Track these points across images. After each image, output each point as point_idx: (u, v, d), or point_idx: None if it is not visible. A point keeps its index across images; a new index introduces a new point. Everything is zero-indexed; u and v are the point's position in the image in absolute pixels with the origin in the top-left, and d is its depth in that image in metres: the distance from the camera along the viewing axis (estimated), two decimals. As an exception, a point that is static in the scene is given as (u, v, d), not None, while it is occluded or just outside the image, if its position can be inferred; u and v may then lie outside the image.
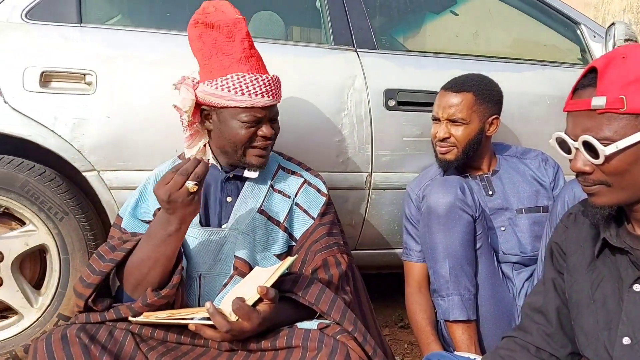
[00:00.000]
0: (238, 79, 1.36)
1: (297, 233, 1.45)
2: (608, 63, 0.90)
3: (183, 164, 1.18)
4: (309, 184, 1.50)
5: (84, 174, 1.66)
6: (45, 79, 1.62)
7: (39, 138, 1.60)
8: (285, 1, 2.20)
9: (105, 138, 1.65)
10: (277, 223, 1.44)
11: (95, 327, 1.20)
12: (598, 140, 0.88)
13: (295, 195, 1.47)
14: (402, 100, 1.85)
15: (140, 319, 1.15)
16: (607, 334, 0.97)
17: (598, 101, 0.88)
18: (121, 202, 1.67)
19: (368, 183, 1.84)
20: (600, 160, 0.89)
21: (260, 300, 1.13)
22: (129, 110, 1.67)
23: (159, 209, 1.35)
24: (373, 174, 1.84)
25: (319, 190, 1.49)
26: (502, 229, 1.67)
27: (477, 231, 1.56)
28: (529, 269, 1.64)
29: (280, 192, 1.47)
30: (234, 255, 1.39)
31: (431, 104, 1.82)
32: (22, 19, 1.66)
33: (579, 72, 1.87)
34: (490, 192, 1.70)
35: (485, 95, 1.66)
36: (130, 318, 1.19)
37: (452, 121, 1.64)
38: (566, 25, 2.19)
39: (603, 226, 1.00)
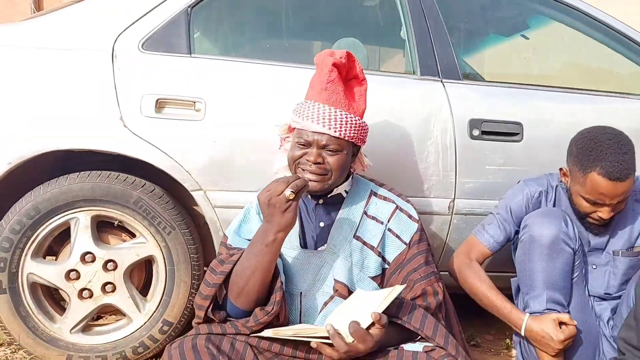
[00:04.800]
0: (303, 104, 1.51)
1: (390, 257, 1.54)
2: None
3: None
4: (401, 209, 1.59)
5: (192, 192, 1.80)
6: (160, 105, 1.78)
7: (154, 160, 1.76)
8: (369, 29, 2.31)
9: (212, 161, 1.80)
10: (372, 247, 1.54)
11: (218, 338, 1.35)
12: None
13: (388, 221, 1.57)
14: (486, 130, 1.93)
15: (268, 333, 1.28)
16: None
17: None
18: (223, 219, 1.82)
19: (451, 209, 1.93)
20: None
21: (372, 324, 1.25)
22: (233, 135, 1.81)
23: None
24: (456, 200, 1.93)
25: (410, 217, 1.59)
26: (594, 267, 1.72)
27: (575, 261, 1.61)
28: (609, 302, 1.70)
29: (373, 217, 1.57)
30: (334, 279, 1.51)
31: (513, 134, 1.91)
32: (139, 49, 1.83)
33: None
34: (596, 232, 1.71)
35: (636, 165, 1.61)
36: (260, 334, 1.32)
37: (620, 202, 1.62)
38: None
39: None
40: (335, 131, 1.45)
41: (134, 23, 1.84)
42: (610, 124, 1.70)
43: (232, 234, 1.54)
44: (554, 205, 1.76)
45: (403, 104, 1.92)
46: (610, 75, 2.46)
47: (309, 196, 1.57)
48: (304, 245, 1.56)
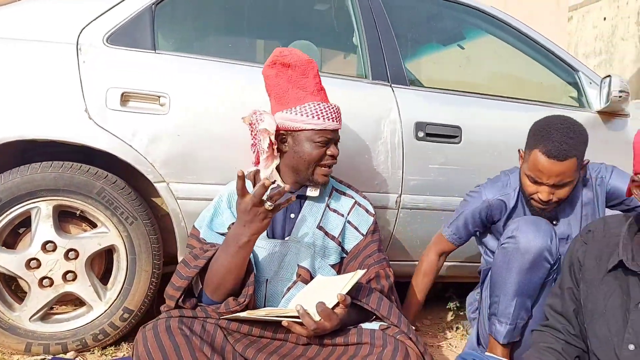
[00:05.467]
0: (314, 106, 1.62)
1: (348, 247, 1.70)
2: None
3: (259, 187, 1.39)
4: (359, 204, 1.75)
5: (155, 184, 1.86)
6: (125, 98, 1.83)
7: (118, 152, 1.81)
8: (322, 33, 2.44)
9: (175, 154, 1.87)
10: (333, 238, 1.69)
11: (190, 321, 1.43)
12: None
13: (348, 214, 1.72)
14: (430, 132, 2.12)
15: (244, 314, 1.39)
16: (616, 340, 1.26)
17: None
18: (186, 211, 1.89)
19: (398, 203, 2.11)
20: None
21: (337, 304, 1.39)
22: (197, 130, 1.89)
23: (232, 223, 1.60)
24: (402, 195, 2.11)
25: (367, 211, 1.75)
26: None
27: (550, 275, 1.69)
28: None
29: (335, 210, 1.72)
30: (298, 265, 1.63)
31: (453, 137, 2.11)
32: (103, 43, 1.86)
33: (576, 113, 2.19)
34: (555, 222, 1.81)
35: (583, 151, 1.68)
36: (233, 315, 1.42)
37: (558, 185, 1.67)
38: (566, 71, 2.50)
39: (622, 248, 1.27)
40: (340, 123, 1.68)
41: (99, 17, 1.87)
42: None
43: (204, 228, 1.63)
44: (514, 208, 1.85)
45: (357, 106, 2.07)
46: (536, 86, 2.72)
47: (285, 189, 1.68)
48: (272, 235, 1.67)
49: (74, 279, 1.84)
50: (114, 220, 1.85)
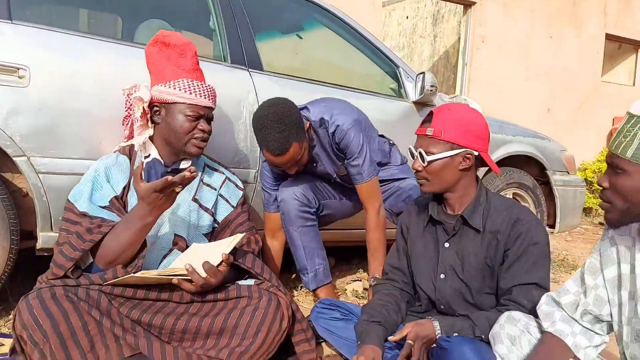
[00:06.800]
0: (188, 82, 1.76)
1: (220, 217, 1.89)
2: (439, 110, 1.60)
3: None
4: (229, 180, 1.95)
5: (14, 158, 1.81)
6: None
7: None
8: (180, 16, 2.52)
9: (36, 128, 1.83)
10: (206, 209, 1.86)
11: (74, 289, 1.50)
12: (426, 153, 1.56)
13: (220, 188, 1.90)
14: (283, 115, 2.37)
15: (137, 275, 1.49)
16: (432, 273, 1.68)
17: (430, 131, 1.56)
18: (47, 185, 1.88)
19: (255, 178, 2.33)
20: (424, 163, 1.57)
21: (220, 263, 1.58)
22: (60, 105, 1.87)
23: (115, 197, 1.68)
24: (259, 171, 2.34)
25: (237, 185, 1.95)
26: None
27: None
28: None
29: (208, 185, 1.89)
30: (174, 234, 1.77)
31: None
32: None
33: (397, 102, 2.66)
34: (315, 164, 2.21)
35: (298, 132, 1.97)
36: (121, 279, 1.51)
37: (294, 163, 2.00)
38: (389, 65, 2.94)
39: (430, 207, 1.69)
40: (214, 104, 1.80)
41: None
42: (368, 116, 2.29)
43: (86, 203, 1.66)
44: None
45: (218, 88, 2.20)
46: (365, 77, 3.13)
47: (162, 163, 1.78)
48: None
49: None
50: (-33, 195, 1.76)
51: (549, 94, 6.78)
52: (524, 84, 6.51)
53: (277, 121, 1.88)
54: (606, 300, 1.30)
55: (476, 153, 1.60)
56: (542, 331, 1.36)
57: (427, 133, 1.59)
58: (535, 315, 1.41)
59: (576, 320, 1.33)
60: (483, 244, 1.60)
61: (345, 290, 2.63)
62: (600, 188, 1.21)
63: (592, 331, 1.33)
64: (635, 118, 1.13)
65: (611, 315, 1.31)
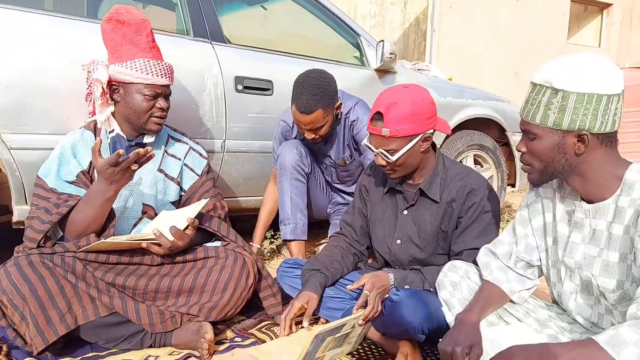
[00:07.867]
0: (144, 62, 1.82)
1: (186, 186, 1.99)
2: (387, 107, 1.61)
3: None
4: (193, 149, 2.04)
5: (-15, 136, 1.88)
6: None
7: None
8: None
9: (5, 105, 1.90)
10: (172, 179, 1.95)
11: (50, 256, 1.60)
12: (387, 151, 1.65)
13: (184, 158, 2.00)
14: (248, 85, 2.46)
15: (108, 240, 1.59)
16: (389, 238, 1.81)
17: (386, 132, 1.63)
18: (20, 160, 1.95)
19: (223, 148, 2.43)
20: (391, 160, 1.67)
21: (187, 227, 1.69)
22: (27, 82, 1.93)
23: (81, 171, 1.76)
24: (226, 140, 2.43)
25: (200, 154, 2.05)
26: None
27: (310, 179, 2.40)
28: None
29: (172, 155, 1.98)
30: (143, 203, 1.87)
31: (266, 89, 2.48)
32: None
33: (360, 70, 2.76)
34: (325, 142, 2.38)
35: (329, 101, 2.20)
36: (94, 245, 1.61)
37: (314, 129, 2.21)
38: (351, 35, 3.02)
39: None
40: (172, 81, 1.86)
41: None
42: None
43: (54, 179, 1.74)
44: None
45: (182, 62, 2.29)
46: (328, 47, 3.21)
47: (124, 138, 1.86)
48: None
49: None
50: (-60, 173, 1.83)
51: (516, 58, 6.93)
52: (491, 49, 6.64)
53: (314, 85, 2.09)
54: (535, 247, 1.45)
55: (432, 131, 1.66)
56: (481, 279, 1.50)
57: (383, 134, 1.61)
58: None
59: (510, 268, 1.48)
60: (439, 212, 1.71)
61: (315, 251, 2.77)
62: (520, 153, 1.34)
63: (525, 276, 1.48)
64: (537, 87, 1.24)
65: (540, 260, 1.46)
